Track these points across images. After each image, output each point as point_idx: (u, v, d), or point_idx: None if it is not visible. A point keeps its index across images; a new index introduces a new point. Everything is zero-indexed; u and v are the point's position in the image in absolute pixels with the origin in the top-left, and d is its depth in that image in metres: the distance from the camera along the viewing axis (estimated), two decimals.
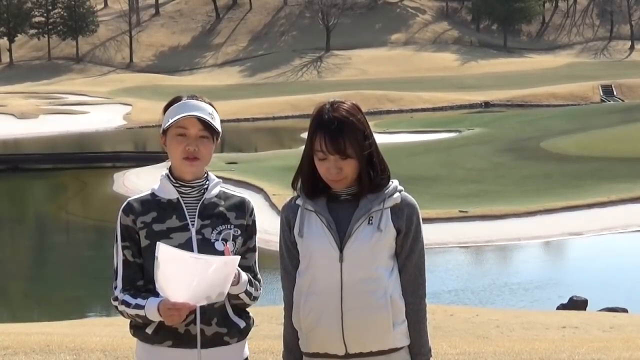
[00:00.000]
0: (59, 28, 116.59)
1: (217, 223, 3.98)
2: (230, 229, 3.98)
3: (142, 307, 3.85)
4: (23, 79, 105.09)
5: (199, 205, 3.99)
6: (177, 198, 4.00)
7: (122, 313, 3.97)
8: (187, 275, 3.70)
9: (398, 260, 3.96)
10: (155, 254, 3.72)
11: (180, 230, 3.94)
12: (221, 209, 4.00)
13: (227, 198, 4.05)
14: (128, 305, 3.89)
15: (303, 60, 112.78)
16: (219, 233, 3.96)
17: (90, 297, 25.57)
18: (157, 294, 3.86)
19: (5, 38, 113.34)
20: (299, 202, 3.98)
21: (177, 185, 4.01)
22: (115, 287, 3.97)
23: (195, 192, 4.01)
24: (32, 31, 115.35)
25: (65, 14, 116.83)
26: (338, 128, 3.85)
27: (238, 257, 3.80)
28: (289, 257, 4.01)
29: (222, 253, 3.92)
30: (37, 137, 66.02)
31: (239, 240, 4.00)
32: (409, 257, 3.95)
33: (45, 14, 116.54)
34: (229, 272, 3.76)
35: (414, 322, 3.96)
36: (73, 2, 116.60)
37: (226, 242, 3.95)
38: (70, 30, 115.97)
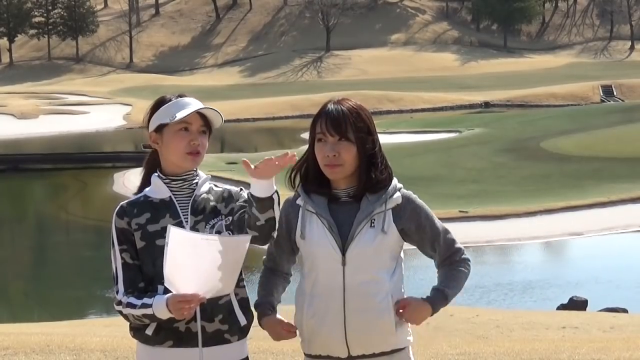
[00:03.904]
0: (59, 28, 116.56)
1: (209, 217, 3.99)
2: (222, 219, 3.99)
3: (149, 306, 3.82)
4: (23, 79, 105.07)
5: (191, 202, 4.00)
6: (170, 197, 4.00)
7: (127, 317, 3.93)
8: (198, 260, 3.69)
9: (426, 249, 4.03)
10: (166, 239, 3.70)
11: None
12: (212, 203, 4.02)
13: (215, 193, 4.06)
14: (134, 306, 3.87)
15: (303, 60, 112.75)
16: (212, 227, 3.97)
17: (90, 297, 25.55)
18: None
19: (5, 38, 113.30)
20: (299, 202, 3.98)
21: (167, 181, 4.01)
22: (117, 292, 3.95)
23: (186, 189, 4.02)
24: (32, 31, 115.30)
25: (65, 14, 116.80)
26: (341, 112, 3.90)
27: (249, 237, 3.79)
28: (275, 243, 4.01)
29: None
30: (37, 137, 65.99)
31: (232, 227, 3.99)
32: (436, 242, 4.01)
33: (45, 14, 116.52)
34: (240, 254, 3.75)
35: (448, 272, 4.04)
36: (73, 2, 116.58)
37: (220, 234, 3.94)
38: (70, 30, 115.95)
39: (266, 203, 3.81)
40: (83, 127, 71.04)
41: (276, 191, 3.85)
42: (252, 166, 3.78)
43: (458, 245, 4.07)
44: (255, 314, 4.07)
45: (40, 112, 76.28)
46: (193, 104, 4.00)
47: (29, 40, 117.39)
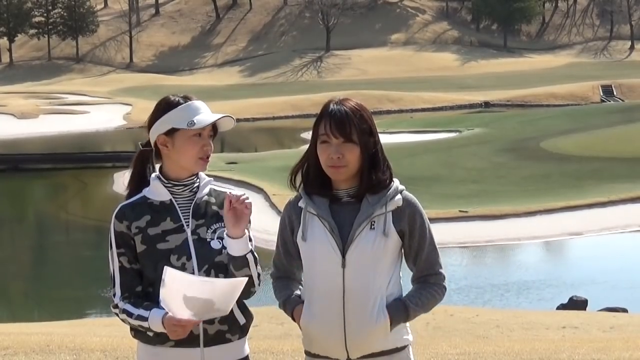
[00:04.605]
0: (59, 28, 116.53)
1: (211, 222, 3.99)
2: (224, 226, 3.99)
3: (145, 319, 3.85)
4: (23, 79, 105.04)
5: (192, 205, 4.00)
6: (170, 199, 3.99)
7: (123, 321, 3.97)
8: (193, 295, 3.71)
9: (408, 259, 3.97)
10: (162, 277, 3.72)
11: (175, 232, 3.95)
12: (214, 207, 4.02)
13: (217, 196, 4.06)
14: (130, 315, 3.90)
15: (303, 60, 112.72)
16: (214, 232, 3.98)
17: (90, 297, 25.55)
18: (157, 299, 3.87)
19: (5, 38, 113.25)
20: (301, 204, 3.97)
21: (169, 185, 4.00)
22: (114, 295, 3.97)
23: (187, 192, 4.01)
24: (32, 31, 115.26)
25: (65, 14, 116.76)
26: (345, 114, 3.88)
27: (245, 279, 3.80)
28: (285, 252, 4.03)
29: (218, 252, 3.93)
30: (37, 137, 65.98)
31: None
32: (419, 255, 3.95)
33: (45, 14, 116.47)
34: (235, 291, 3.78)
35: (420, 289, 3.96)
36: (73, 2, 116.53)
37: (222, 240, 3.96)
38: (70, 30, 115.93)
39: (239, 261, 3.89)
40: (83, 127, 71.03)
41: (251, 251, 3.92)
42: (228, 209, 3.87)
43: (440, 269, 3.98)
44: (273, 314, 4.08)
45: (40, 112, 76.25)
46: (203, 109, 4.00)
47: (29, 40, 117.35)
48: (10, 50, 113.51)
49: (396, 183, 3.96)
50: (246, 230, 3.92)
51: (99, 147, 58.47)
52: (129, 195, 4.06)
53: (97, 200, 41.34)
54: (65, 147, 57.27)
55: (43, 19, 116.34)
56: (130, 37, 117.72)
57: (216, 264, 3.95)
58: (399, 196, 3.93)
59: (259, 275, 3.99)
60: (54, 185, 46.76)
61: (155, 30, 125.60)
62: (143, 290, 3.96)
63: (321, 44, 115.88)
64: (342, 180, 3.92)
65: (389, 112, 77.44)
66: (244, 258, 3.90)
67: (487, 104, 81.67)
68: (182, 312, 3.74)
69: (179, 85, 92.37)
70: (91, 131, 69.79)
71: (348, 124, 3.86)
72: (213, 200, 4.03)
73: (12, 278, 29.02)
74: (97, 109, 78.66)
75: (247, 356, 4.06)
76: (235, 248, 3.90)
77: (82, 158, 50.89)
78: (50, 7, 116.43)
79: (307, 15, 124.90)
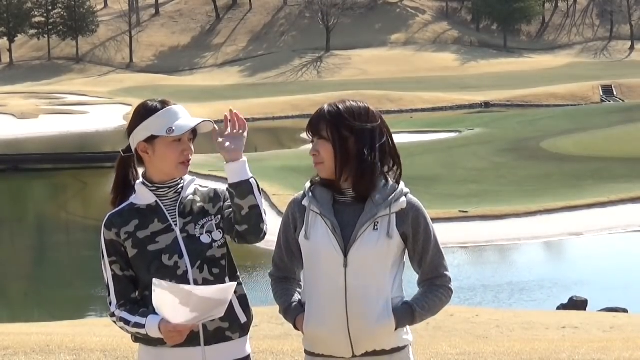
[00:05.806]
0: (59, 28, 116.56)
1: (198, 218, 4.01)
2: (212, 220, 4.01)
3: (142, 326, 3.88)
4: (23, 79, 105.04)
5: (178, 205, 4.02)
6: (156, 201, 4.02)
7: (121, 329, 4.01)
8: (184, 303, 3.74)
9: (413, 262, 3.97)
10: (153, 288, 3.74)
11: (164, 233, 3.97)
12: (199, 204, 4.04)
13: (202, 194, 4.08)
14: (127, 322, 3.93)
15: (303, 60, 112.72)
16: (202, 227, 4.00)
17: (90, 297, 25.53)
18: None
19: (5, 38, 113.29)
20: (305, 203, 3.97)
21: (153, 188, 4.03)
22: (110, 303, 4.00)
23: (172, 193, 4.04)
24: (32, 31, 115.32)
25: (65, 14, 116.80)
26: (321, 112, 3.92)
27: (234, 284, 3.84)
28: (286, 250, 4.02)
29: (209, 246, 3.94)
30: (37, 137, 65.99)
31: (223, 225, 4.02)
32: (424, 258, 3.95)
33: (45, 14, 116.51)
34: (224, 295, 3.79)
35: (426, 292, 3.95)
36: (73, 2, 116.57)
37: (211, 233, 3.98)
38: (70, 30, 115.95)
39: (244, 188, 3.89)
40: (83, 127, 71.04)
41: (253, 177, 3.94)
42: (219, 139, 3.94)
43: (445, 272, 3.97)
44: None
45: (40, 112, 76.26)
46: (182, 114, 4.00)
47: (29, 40, 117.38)
48: (10, 50, 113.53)
49: (401, 186, 3.96)
50: (244, 157, 3.96)
51: (99, 147, 58.45)
52: (114, 202, 4.10)
53: (97, 200, 41.26)
54: (65, 147, 57.29)
55: (43, 19, 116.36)
56: (130, 37, 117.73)
57: (208, 259, 3.97)
58: (403, 199, 3.92)
59: (264, 212, 3.99)
60: (54, 185, 46.76)
61: (155, 31, 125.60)
62: (139, 295, 3.99)
63: (321, 44, 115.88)
64: (325, 177, 3.92)
65: (389, 112, 77.35)
66: (247, 182, 3.91)
67: (487, 104, 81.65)
68: (177, 319, 3.77)
69: (179, 86, 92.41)
70: (91, 131, 69.78)
71: (320, 121, 3.89)
72: (198, 198, 4.06)
73: (12, 278, 29.01)
74: (97, 109, 78.65)
75: (249, 356, 4.07)
76: (236, 172, 3.90)
77: (82, 158, 50.87)
78: (50, 7, 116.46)
79: (307, 16, 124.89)
